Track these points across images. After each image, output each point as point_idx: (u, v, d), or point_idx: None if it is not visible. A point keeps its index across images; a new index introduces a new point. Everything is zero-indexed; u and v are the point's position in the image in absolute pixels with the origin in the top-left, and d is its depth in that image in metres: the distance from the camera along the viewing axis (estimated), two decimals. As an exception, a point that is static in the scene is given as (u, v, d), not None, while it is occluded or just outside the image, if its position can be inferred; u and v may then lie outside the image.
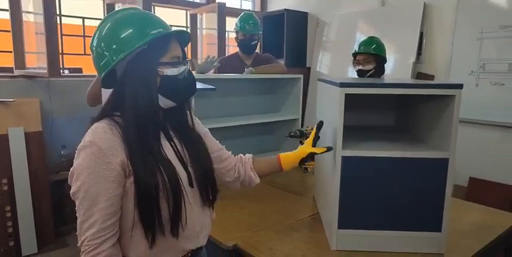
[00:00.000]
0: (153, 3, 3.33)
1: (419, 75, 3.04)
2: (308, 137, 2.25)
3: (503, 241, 1.47)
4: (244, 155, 1.23)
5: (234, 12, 3.49)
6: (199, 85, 1.70)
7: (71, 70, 3.20)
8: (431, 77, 2.97)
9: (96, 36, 0.92)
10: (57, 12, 2.96)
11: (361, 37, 2.53)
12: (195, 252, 1.02)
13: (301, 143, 2.34)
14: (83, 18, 3.22)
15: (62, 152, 2.93)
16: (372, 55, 2.29)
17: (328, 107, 1.40)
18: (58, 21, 3.00)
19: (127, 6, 3.21)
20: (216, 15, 3.46)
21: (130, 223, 0.89)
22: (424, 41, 3.01)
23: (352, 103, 1.19)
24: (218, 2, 3.58)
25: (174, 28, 0.95)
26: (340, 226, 1.23)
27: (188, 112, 1.05)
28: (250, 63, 2.57)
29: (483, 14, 2.64)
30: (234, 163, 1.18)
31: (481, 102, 2.66)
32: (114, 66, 0.90)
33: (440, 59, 2.93)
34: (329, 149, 1.23)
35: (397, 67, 3.11)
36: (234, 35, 2.64)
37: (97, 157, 0.84)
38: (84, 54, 3.32)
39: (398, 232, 1.23)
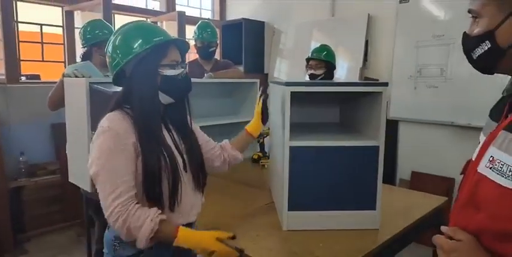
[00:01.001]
0: (113, 11, 3.38)
1: (366, 79, 3.31)
2: (265, 137, 2.42)
3: (433, 218, 1.69)
4: (221, 141, 1.43)
5: (193, 21, 3.61)
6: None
7: (28, 77, 3.17)
8: (376, 81, 3.25)
9: (111, 44, 1.11)
10: (14, 19, 2.96)
11: (315, 45, 2.74)
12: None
13: (259, 142, 2.49)
14: (41, 25, 3.22)
15: (20, 158, 2.90)
16: (323, 61, 2.51)
17: (278, 105, 1.57)
18: (15, 28, 2.99)
19: (86, 13, 3.25)
20: (176, 24, 3.57)
21: (139, 197, 1.06)
22: (369, 48, 3.30)
23: (302, 103, 1.36)
24: (178, 11, 3.71)
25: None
26: (289, 208, 1.39)
27: (188, 113, 1.22)
28: (210, 69, 2.70)
29: (419, 25, 2.95)
30: (219, 151, 1.37)
31: (418, 104, 2.96)
32: (123, 67, 1.08)
33: (384, 64, 3.22)
34: (261, 92, 1.50)
35: (347, 72, 3.37)
36: (193, 42, 2.77)
37: (116, 140, 1.02)
38: (42, 60, 3.30)
39: (340, 212, 1.41)
